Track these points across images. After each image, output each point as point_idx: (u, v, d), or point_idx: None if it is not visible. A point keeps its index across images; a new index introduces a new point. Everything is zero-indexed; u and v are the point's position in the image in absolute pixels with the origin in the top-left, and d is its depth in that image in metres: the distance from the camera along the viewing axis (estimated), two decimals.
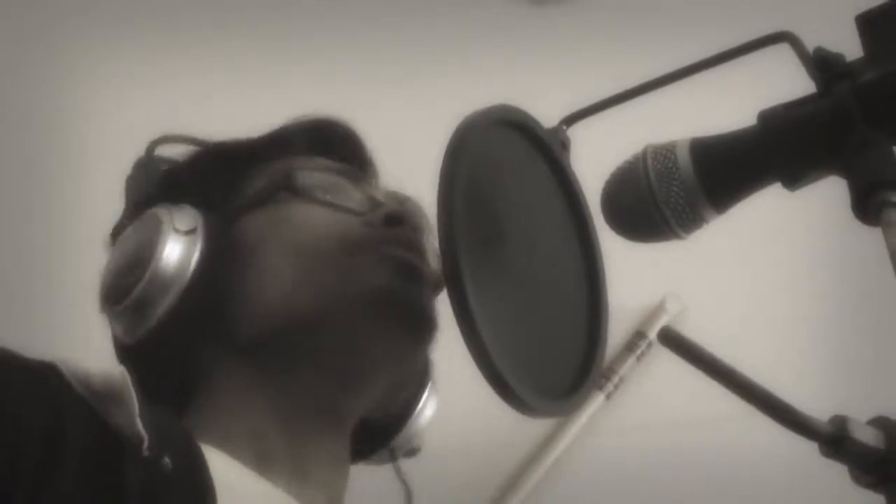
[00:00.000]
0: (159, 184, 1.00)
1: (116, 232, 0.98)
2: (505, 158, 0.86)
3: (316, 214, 0.95)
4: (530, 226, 0.87)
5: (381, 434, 1.02)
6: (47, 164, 1.89)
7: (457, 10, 2.01)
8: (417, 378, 1.03)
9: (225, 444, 0.88)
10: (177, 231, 0.91)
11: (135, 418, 0.76)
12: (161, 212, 0.93)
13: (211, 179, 1.00)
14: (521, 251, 0.84)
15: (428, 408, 1.05)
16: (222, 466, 0.83)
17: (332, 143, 1.04)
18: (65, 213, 1.86)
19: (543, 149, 0.88)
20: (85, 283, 1.73)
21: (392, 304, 0.91)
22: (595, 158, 0.89)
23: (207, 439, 0.87)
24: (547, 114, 0.89)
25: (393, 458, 1.02)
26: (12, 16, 1.93)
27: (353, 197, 0.98)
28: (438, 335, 0.95)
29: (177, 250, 0.91)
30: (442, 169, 0.80)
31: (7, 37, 1.92)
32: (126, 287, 0.90)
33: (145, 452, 0.75)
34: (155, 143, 1.02)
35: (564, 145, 0.89)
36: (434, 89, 1.83)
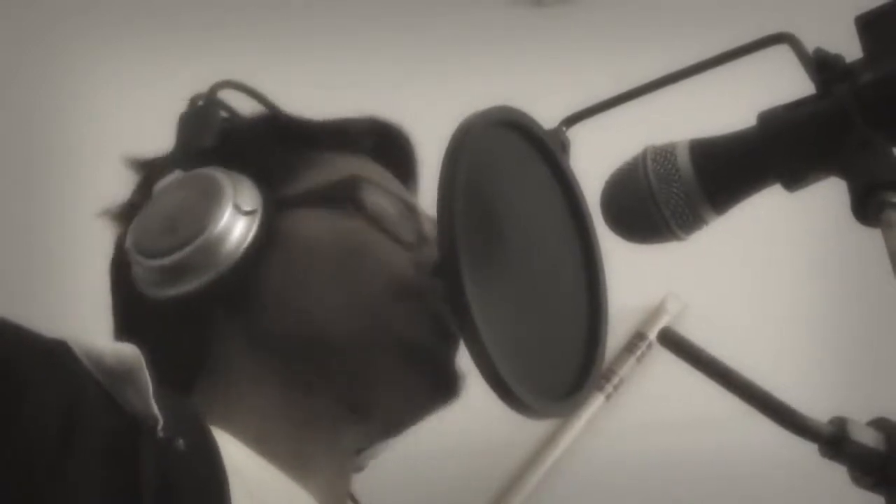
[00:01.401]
0: (217, 137, 0.96)
1: (160, 169, 0.95)
2: (505, 159, 0.86)
3: (373, 243, 0.92)
4: (530, 227, 0.87)
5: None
6: (47, 163, 1.89)
7: (457, 10, 2.01)
8: None
9: (232, 430, 0.87)
10: (237, 209, 0.88)
11: (149, 399, 0.75)
12: (223, 179, 0.90)
13: (272, 153, 0.97)
14: (520, 252, 0.85)
15: None
16: (231, 449, 0.83)
17: (390, 150, 1.02)
18: (65, 212, 1.86)
19: (543, 150, 0.88)
20: (85, 283, 1.73)
21: (421, 361, 0.89)
22: (595, 159, 0.89)
23: (214, 421, 0.86)
24: (547, 115, 0.89)
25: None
26: (12, 16, 1.93)
27: (406, 227, 0.95)
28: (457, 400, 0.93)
29: (234, 230, 0.88)
30: (442, 170, 0.80)
31: (7, 37, 1.92)
32: (168, 245, 0.87)
33: (160, 434, 0.74)
34: (218, 87, 0.98)
35: (564, 146, 0.90)
36: (434, 90, 1.83)
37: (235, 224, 0.88)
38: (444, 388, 0.91)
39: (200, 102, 0.98)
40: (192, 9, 1.97)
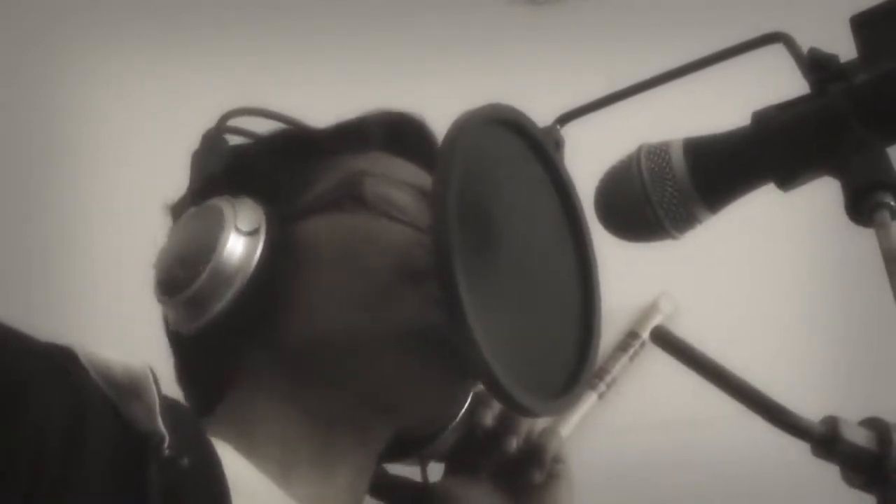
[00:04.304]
0: (225, 165, 0.97)
1: (178, 209, 0.97)
2: (499, 157, 0.86)
3: (378, 230, 0.92)
4: (524, 225, 0.87)
5: (412, 443, 0.99)
6: (47, 163, 1.89)
7: (453, 8, 2.02)
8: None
9: (248, 447, 0.88)
10: (238, 230, 0.90)
11: (156, 416, 0.75)
12: (225, 206, 0.91)
13: (278, 171, 0.98)
14: (514, 251, 0.84)
15: (464, 419, 1.00)
16: (236, 468, 0.83)
17: (407, 140, 1.02)
18: (64, 212, 1.86)
19: (537, 148, 0.88)
20: (84, 283, 1.73)
21: (436, 343, 0.87)
22: (589, 158, 0.89)
23: (229, 439, 0.87)
24: (541, 112, 0.89)
25: (422, 464, 1.01)
26: (12, 16, 1.93)
27: (418, 210, 0.94)
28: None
29: (237, 252, 0.89)
30: (435, 168, 0.80)
31: (7, 37, 1.92)
32: (183, 281, 0.89)
33: (166, 452, 0.74)
34: (227, 116, 0.99)
35: (558, 144, 0.90)
36: (429, 88, 1.83)
37: (239, 246, 0.89)
38: (462, 367, 0.88)
39: (209, 136, 0.99)
40: (192, 9, 1.97)
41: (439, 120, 0.82)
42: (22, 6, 1.95)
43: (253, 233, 0.90)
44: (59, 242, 1.84)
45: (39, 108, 1.91)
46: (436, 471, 1.02)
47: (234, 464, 0.84)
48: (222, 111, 1.00)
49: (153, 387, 0.76)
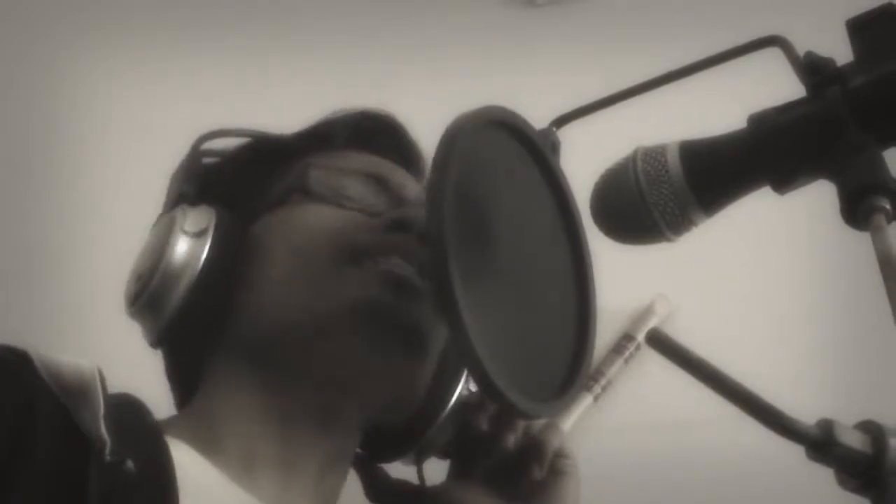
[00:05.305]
0: (195, 182, 0.99)
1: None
2: (495, 159, 0.85)
3: (320, 217, 0.94)
4: (520, 227, 0.87)
5: (402, 440, 1.00)
6: (46, 164, 1.89)
7: (450, 10, 2.02)
8: (438, 383, 0.99)
9: (211, 446, 0.89)
10: (185, 232, 0.91)
11: (99, 420, 0.76)
12: (177, 212, 0.93)
13: (241, 178, 1.00)
14: (510, 252, 0.84)
15: (453, 415, 1.00)
16: (192, 469, 0.84)
17: (374, 136, 1.03)
18: (63, 213, 1.86)
19: (534, 150, 0.88)
20: (83, 284, 1.73)
21: (376, 320, 0.89)
22: (585, 160, 0.89)
23: (191, 438, 0.88)
24: (538, 115, 0.89)
25: (418, 464, 1.01)
26: (12, 16, 1.93)
27: (373, 196, 0.96)
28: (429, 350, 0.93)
29: (183, 253, 0.91)
30: (431, 171, 0.80)
31: (7, 36, 1.92)
32: (138, 289, 0.91)
33: (107, 458, 0.75)
34: (202, 139, 1.01)
35: (555, 147, 0.89)
36: (426, 89, 1.84)
37: (186, 247, 0.91)
38: (404, 343, 0.91)
39: (185, 158, 1.01)
40: (192, 9, 1.98)
41: (435, 122, 0.82)
42: (22, 6, 1.95)
43: (200, 233, 0.92)
44: (57, 243, 1.84)
45: (39, 108, 1.91)
46: (440, 472, 1.01)
47: (192, 465, 0.85)
48: (216, 120, 1.02)
49: (99, 389, 0.78)
